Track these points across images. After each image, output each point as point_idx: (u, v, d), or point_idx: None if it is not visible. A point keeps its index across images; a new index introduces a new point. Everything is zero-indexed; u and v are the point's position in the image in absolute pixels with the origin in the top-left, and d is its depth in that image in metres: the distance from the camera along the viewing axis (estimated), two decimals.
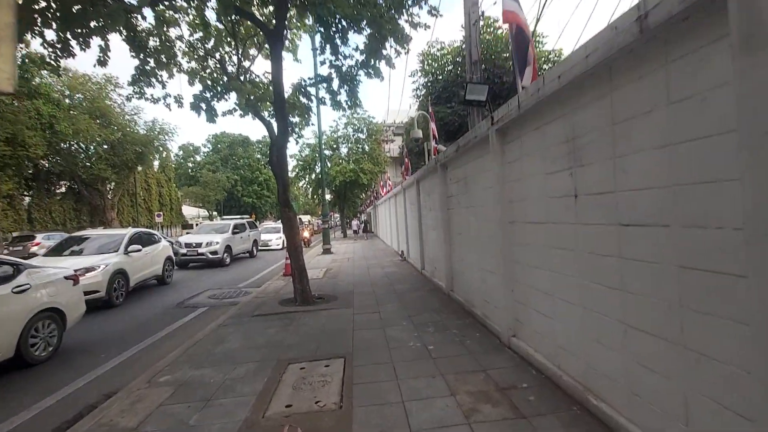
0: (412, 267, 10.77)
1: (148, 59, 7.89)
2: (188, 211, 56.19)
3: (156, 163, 44.14)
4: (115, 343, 5.49)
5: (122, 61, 10.17)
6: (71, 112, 29.14)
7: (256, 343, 4.76)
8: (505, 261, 4.06)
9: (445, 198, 6.72)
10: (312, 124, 9.68)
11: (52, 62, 6.69)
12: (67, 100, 30.18)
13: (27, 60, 22.71)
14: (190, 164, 64.01)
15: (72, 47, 6.57)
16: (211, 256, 13.64)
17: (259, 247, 18.70)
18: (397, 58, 8.00)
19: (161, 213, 41.06)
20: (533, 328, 3.60)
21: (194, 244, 13.67)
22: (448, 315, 5.51)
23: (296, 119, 9.77)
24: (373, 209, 30.47)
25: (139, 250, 8.80)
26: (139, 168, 40.02)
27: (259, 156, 61.04)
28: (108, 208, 34.34)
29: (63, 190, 33.36)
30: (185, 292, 9.14)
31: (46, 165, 29.92)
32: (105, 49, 7.01)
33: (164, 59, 7.94)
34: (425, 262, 9.34)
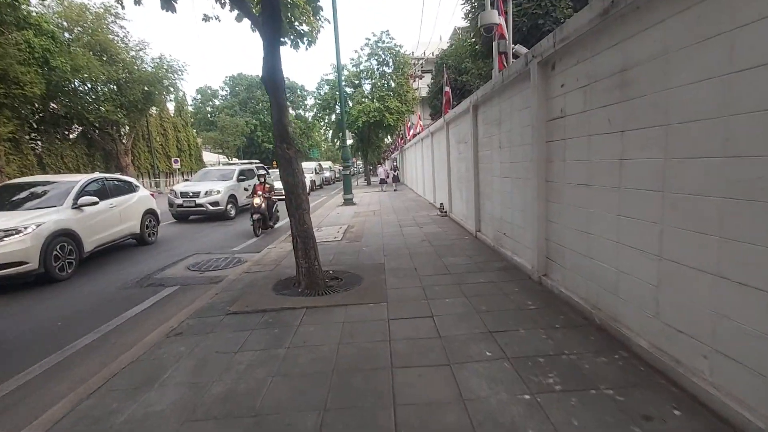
0: (458, 227, 8.20)
1: None
2: (209, 157, 54.73)
3: (171, 105, 41.91)
4: None
5: None
6: (70, 47, 26.57)
7: (203, 402, 2.42)
8: None
9: (541, 124, 3.94)
10: (324, 20, 6.74)
11: None
12: (66, 34, 27.59)
13: None
14: (208, 108, 61.94)
15: None
16: (211, 207, 11.45)
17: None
18: None
19: (178, 159, 39.49)
20: None
21: (191, 194, 11.46)
22: (566, 334, 2.99)
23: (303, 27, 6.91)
24: (400, 154, 27.48)
25: (96, 203, 6.55)
26: (154, 110, 38.04)
27: None
28: (121, 154, 32.79)
29: (76, 134, 31.71)
30: (163, 258, 6.99)
31: (54, 106, 28.09)
32: None
33: None
34: (482, 222, 6.74)
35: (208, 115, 59.39)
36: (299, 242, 4.70)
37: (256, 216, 8.66)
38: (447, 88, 11.50)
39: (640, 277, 2.62)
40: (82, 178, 6.78)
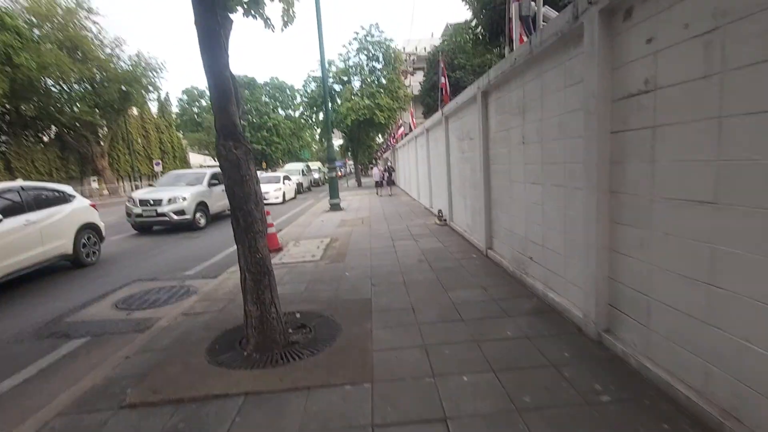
0: (462, 240, 6.85)
1: None
2: (195, 158, 52.96)
3: (153, 106, 40.08)
4: None
5: None
6: (39, 45, 24.68)
7: None
8: None
9: (605, 105, 2.59)
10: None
11: None
12: (35, 31, 25.70)
13: None
14: (195, 109, 60.04)
15: None
16: (176, 217, 9.96)
17: None
18: None
19: (160, 161, 37.60)
20: None
21: (152, 202, 9.94)
22: None
23: None
24: (392, 153, 26.11)
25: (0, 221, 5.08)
26: (135, 111, 36.35)
27: (266, 99, 56.04)
28: (98, 156, 30.95)
29: (50, 137, 29.78)
30: (97, 286, 5.54)
31: (23, 107, 26.18)
32: None
33: None
34: (494, 239, 5.39)
35: (195, 116, 57.54)
36: (248, 280, 3.31)
37: None
38: (444, 79, 10.17)
39: None
40: None
